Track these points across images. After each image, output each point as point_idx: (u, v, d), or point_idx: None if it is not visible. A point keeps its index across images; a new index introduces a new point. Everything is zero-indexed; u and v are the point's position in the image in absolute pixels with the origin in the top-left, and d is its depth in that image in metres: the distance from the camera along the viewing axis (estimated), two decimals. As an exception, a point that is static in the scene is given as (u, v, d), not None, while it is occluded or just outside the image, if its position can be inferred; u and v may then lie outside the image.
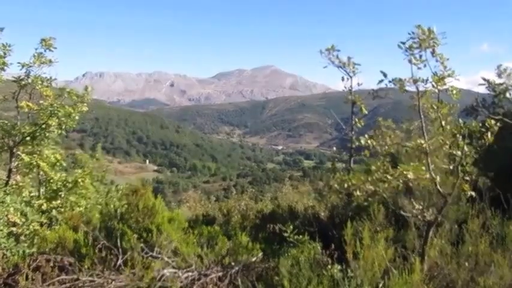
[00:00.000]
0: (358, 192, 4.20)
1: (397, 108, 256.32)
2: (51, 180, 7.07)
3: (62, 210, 6.74)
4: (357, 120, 6.66)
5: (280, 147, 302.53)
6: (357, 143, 6.26)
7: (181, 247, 4.57)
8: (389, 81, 4.51)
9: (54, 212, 6.64)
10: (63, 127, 7.19)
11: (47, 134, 7.08)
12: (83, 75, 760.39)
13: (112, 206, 5.59)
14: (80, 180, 7.16)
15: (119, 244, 4.43)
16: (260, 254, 4.63)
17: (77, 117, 7.25)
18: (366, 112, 6.58)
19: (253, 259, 4.57)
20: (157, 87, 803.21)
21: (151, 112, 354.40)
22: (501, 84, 7.47)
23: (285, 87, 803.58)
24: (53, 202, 6.83)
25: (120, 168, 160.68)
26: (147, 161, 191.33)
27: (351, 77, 6.64)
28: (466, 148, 4.01)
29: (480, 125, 4.09)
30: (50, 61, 7.07)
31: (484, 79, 7.71)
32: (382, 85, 4.98)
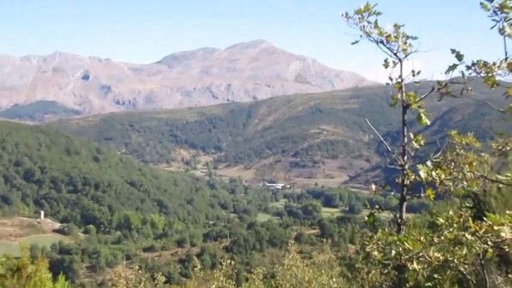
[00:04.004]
0: (415, 265, 4.21)
1: (483, 115, 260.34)
2: None
3: None
4: (412, 136, 6.71)
5: (279, 185, 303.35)
6: (414, 177, 6.33)
7: None
8: (468, 68, 4.58)
9: None
10: None
11: None
12: None
13: (-24, 296, 5.52)
14: None
15: None
16: None
17: None
18: (428, 122, 6.63)
19: None
20: (60, 80, 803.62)
21: (49, 126, 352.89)
22: None
23: (286, 78, 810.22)
24: None
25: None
26: (42, 213, 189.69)
27: (400, 60, 6.72)
28: None
29: None
30: None
31: None
32: (456, 74, 5.06)
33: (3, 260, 7.92)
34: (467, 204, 6.49)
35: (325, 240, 20.18)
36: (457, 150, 5.66)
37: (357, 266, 7.53)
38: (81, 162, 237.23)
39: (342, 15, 6.52)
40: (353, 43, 6.58)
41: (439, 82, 6.01)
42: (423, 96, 6.57)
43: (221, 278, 10.57)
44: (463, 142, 5.82)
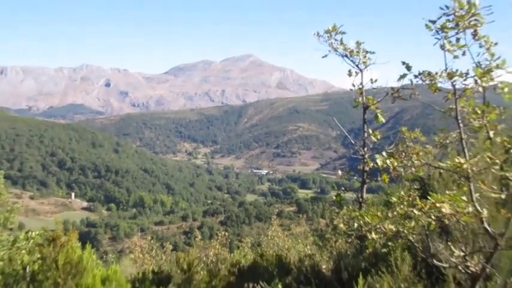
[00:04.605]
0: (373, 235, 4.22)
1: (428, 114, 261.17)
2: None
3: None
4: (371, 131, 6.73)
5: (264, 172, 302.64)
6: (372, 164, 6.36)
7: (122, 319, 4.50)
8: (415, 76, 4.60)
9: None
10: None
11: None
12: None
13: (19, 261, 5.49)
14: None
15: (28, 317, 4.34)
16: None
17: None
18: (384, 120, 6.66)
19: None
20: (87, 87, 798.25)
21: (78, 124, 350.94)
22: None
23: (270, 85, 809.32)
24: None
25: (33, 206, 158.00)
26: (73, 194, 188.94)
27: (361, 71, 6.75)
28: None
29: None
30: None
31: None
32: (406, 82, 5.09)
33: (41, 232, 7.92)
34: (415, 187, 6.52)
35: (301, 215, 20.19)
36: (407, 143, 5.69)
37: (326, 236, 7.53)
38: (104, 153, 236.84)
39: (314, 34, 6.54)
40: (323, 57, 6.61)
41: (392, 88, 6.05)
42: (379, 99, 6.62)
43: (217, 246, 10.58)
44: (412, 136, 5.85)
